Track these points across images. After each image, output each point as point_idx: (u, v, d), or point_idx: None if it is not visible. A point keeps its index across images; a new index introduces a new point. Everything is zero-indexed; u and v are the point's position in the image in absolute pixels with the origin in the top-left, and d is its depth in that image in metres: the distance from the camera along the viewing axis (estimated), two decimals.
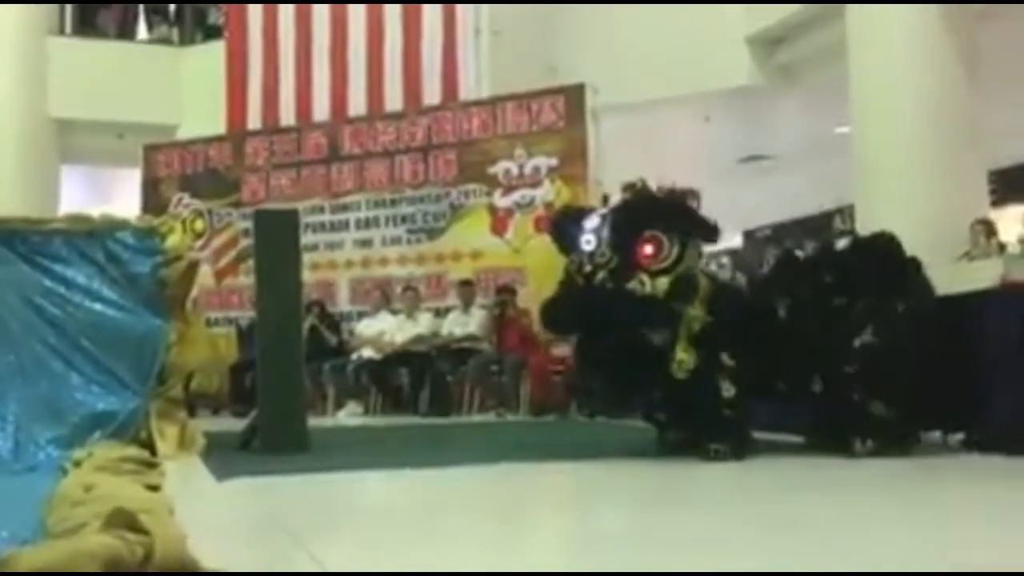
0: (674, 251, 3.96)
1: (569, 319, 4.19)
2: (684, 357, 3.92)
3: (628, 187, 4.24)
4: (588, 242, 4.07)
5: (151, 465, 3.86)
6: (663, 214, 4.11)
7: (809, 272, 4.43)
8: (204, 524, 2.39)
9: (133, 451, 4.13)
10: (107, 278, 4.81)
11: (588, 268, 4.01)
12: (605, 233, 4.04)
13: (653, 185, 4.68)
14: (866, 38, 8.33)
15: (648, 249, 3.96)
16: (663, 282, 3.93)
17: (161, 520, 1.89)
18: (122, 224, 4.99)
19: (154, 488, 3.10)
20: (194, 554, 1.70)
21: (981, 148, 8.32)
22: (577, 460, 4.40)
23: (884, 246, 4.36)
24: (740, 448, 4.05)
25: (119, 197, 11.70)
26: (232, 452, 4.77)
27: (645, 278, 3.93)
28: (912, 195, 8.00)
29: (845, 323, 4.14)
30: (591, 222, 4.13)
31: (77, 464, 3.66)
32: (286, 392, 4.86)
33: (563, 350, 7.98)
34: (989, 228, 7.89)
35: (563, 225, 4.37)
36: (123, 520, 1.72)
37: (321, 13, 10.86)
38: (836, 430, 4.24)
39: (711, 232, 4.18)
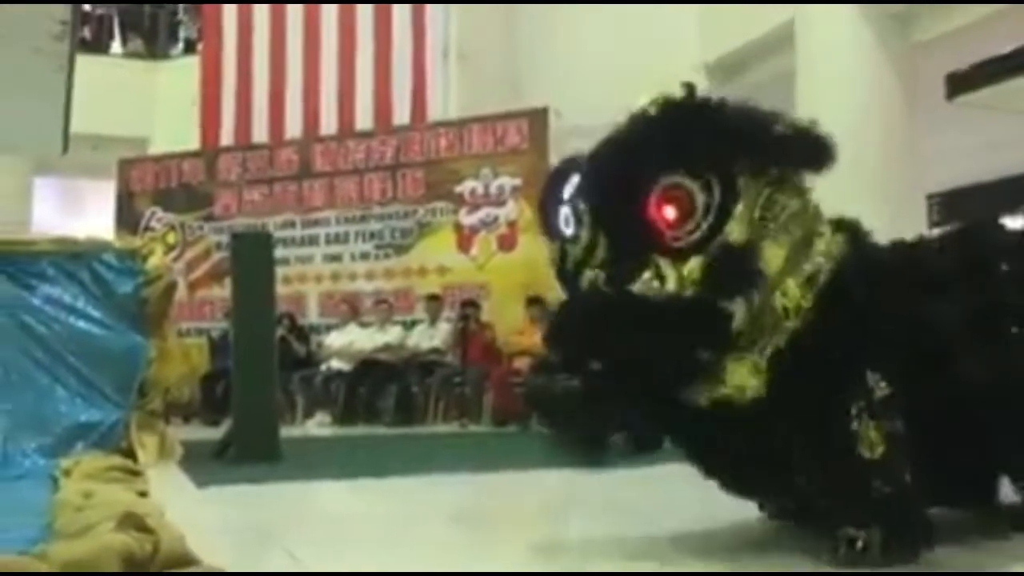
0: (713, 204, 2.20)
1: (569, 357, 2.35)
2: (746, 382, 2.25)
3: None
4: (567, 220, 2.40)
5: (135, 473, 4.16)
6: (688, 138, 2.25)
7: None
8: (190, 527, 2.70)
9: (117, 460, 4.42)
10: (91, 297, 5.11)
11: (569, 265, 2.37)
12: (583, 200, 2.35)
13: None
14: (812, 66, 8.77)
15: (669, 211, 2.21)
16: (692, 267, 2.19)
17: (161, 522, 2.22)
18: (106, 246, 5.29)
19: (142, 494, 3.41)
20: (193, 551, 2.02)
21: (921, 172, 8.78)
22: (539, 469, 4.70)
23: None
24: (910, 541, 2.24)
25: (92, 210, 11.89)
26: (208, 461, 5.06)
27: (664, 264, 2.20)
28: (854, 215, 8.43)
29: None
30: (573, 183, 2.43)
31: (67, 473, 3.95)
32: (260, 405, 5.17)
33: (523, 363, 8.34)
34: None
35: (547, 193, 2.56)
36: (133, 522, 2.04)
37: (295, 32, 11.15)
38: None
39: (808, 151, 2.34)
